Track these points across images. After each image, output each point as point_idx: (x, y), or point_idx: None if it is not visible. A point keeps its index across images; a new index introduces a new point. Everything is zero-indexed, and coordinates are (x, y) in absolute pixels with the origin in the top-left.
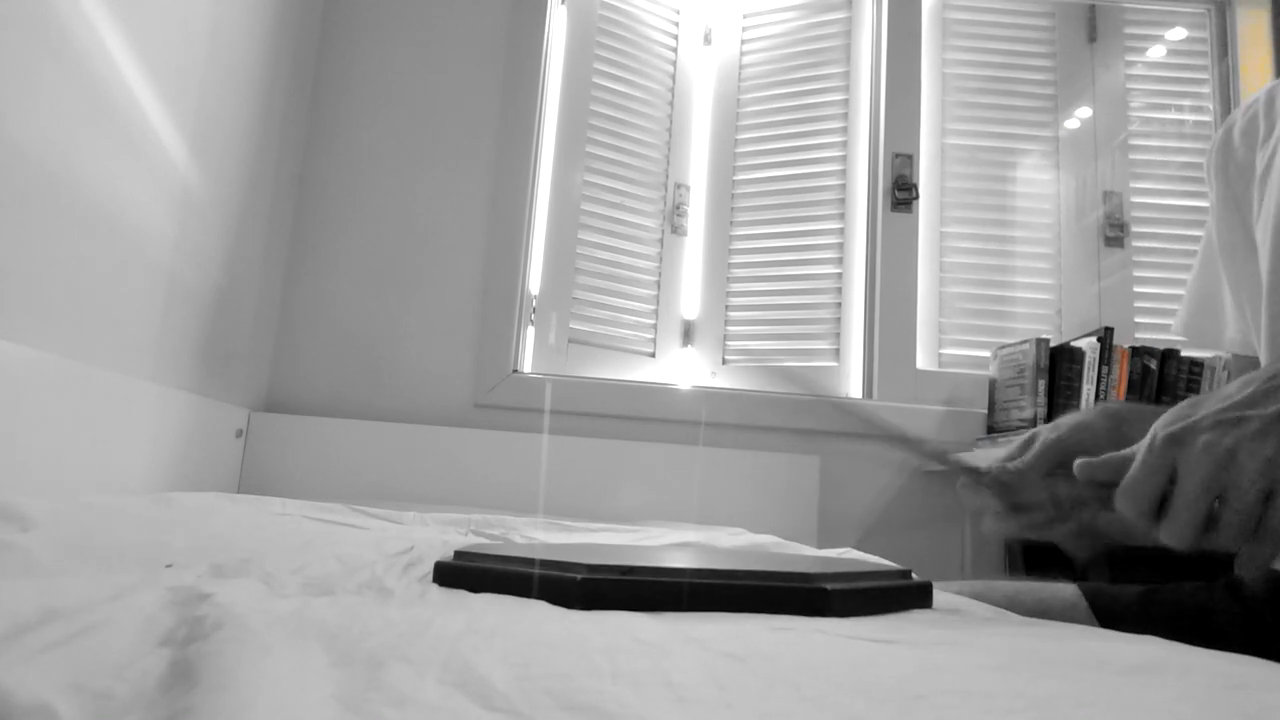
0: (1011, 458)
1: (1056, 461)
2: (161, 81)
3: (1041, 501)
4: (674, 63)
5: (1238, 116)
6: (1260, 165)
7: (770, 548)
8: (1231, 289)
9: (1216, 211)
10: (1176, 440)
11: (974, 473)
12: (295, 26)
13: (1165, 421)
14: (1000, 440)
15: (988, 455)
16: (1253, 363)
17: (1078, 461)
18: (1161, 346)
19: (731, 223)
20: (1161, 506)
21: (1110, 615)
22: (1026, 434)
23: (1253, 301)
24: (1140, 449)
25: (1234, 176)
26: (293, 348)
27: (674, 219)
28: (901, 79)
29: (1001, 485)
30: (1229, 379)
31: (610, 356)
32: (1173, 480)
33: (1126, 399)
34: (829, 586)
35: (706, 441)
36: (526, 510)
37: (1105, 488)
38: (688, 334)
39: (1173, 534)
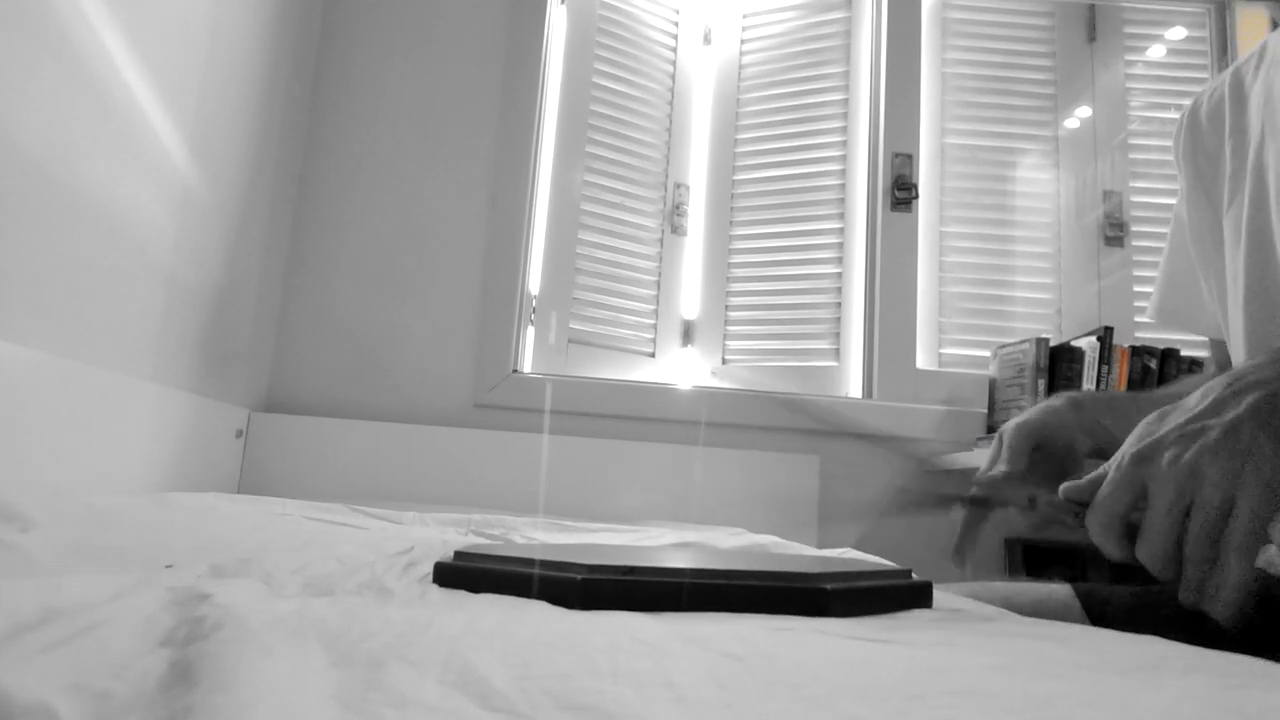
0: (989, 465)
1: (1031, 447)
2: (161, 81)
3: (1029, 500)
4: (674, 63)
5: (1203, 100)
6: (1229, 159)
7: (770, 548)
8: (1202, 274)
9: (1186, 197)
10: (1143, 458)
11: (953, 494)
12: (295, 27)
13: (1133, 440)
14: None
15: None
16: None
17: (1063, 486)
18: (1161, 346)
19: (731, 223)
20: (1137, 528)
21: (1104, 617)
22: (994, 439)
23: (1220, 292)
24: (1110, 471)
25: (1203, 165)
26: (293, 348)
27: (674, 219)
28: (901, 79)
29: (986, 495)
30: (1205, 368)
31: (610, 356)
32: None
33: None
34: (829, 586)
35: (706, 441)
36: (526, 510)
37: (1086, 508)
38: (688, 334)
39: (1147, 555)
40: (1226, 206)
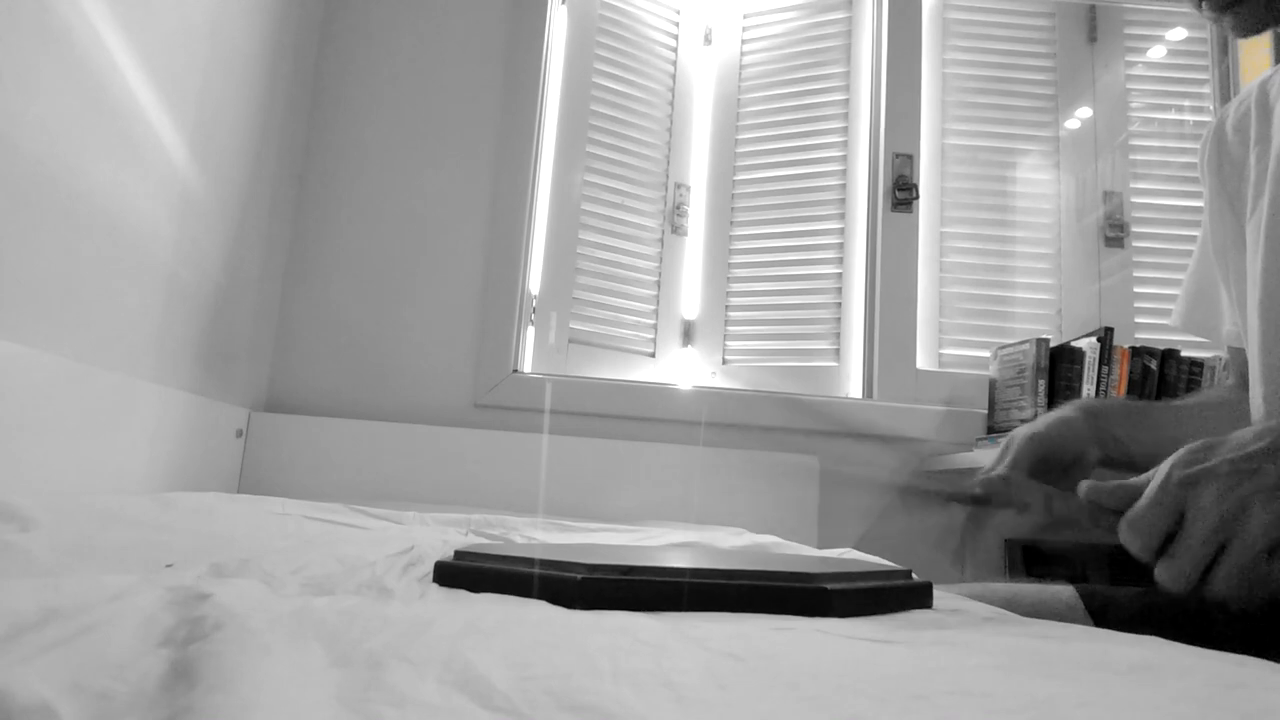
0: (992, 467)
1: (1037, 458)
2: (161, 81)
3: (1032, 503)
4: (674, 63)
5: (1230, 110)
6: (1254, 166)
7: (770, 548)
8: (1224, 283)
9: (1210, 206)
10: (1191, 483)
11: (953, 490)
12: (295, 26)
13: (1181, 462)
14: (1000, 441)
15: (967, 461)
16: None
17: (1083, 484)
18: (1162, 346)
19: (731, 223)
20: (1165, 545)
21: (1107, 618)
22: (1004, 440)
23: (1240, 299)
24: (1152, 485)
25: (1228, 173)
26: (293, 348)
27: (674, 219)
28: (901, 79)
29: (986, 494)
30: (1227, 373)
31: (610, 356)
32: (1180, 521)
33: (1126, 399)
34: (829, 586)
35: (706, 441)
36: (526, 510)
37: (1110, 514)
38: (688, 334)
39: (1171, 574)
40: (1249, 214)
